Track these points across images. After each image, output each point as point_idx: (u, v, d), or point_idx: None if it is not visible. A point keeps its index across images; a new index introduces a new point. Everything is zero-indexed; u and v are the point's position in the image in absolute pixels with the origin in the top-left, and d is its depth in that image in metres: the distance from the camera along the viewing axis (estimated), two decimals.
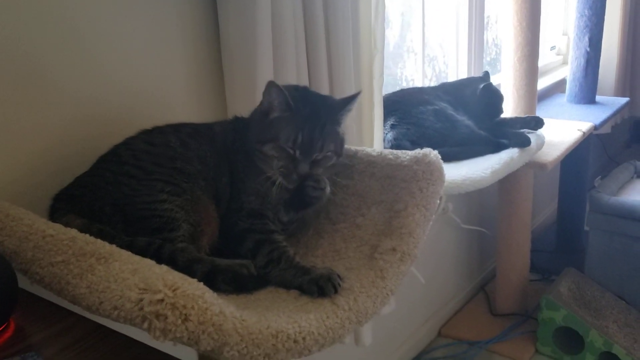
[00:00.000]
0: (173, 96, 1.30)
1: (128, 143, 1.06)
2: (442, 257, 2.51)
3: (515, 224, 2.39)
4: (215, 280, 0.89)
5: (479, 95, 1.96)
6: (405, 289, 2.24)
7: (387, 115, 1.83)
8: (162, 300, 0.68)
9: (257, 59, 1.27)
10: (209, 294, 0.71)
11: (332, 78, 1.46)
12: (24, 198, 1.02)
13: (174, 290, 0.69)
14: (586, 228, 2.61)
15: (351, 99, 1.07)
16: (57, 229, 0.85)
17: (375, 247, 0.97)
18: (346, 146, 1.10)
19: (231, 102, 1.35)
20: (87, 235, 0.84)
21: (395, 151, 1.07)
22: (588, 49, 2.67)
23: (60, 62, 1.08)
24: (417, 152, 1.04)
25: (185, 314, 0.68)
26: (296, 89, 1.09)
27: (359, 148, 1.11)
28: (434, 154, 1.03)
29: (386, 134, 1.81)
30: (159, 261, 0.85)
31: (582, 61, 2.70)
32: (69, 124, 1.11)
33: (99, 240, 0.82)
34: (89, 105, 1.14)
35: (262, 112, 1.05)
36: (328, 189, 1.03)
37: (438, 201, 1.02)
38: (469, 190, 1.70)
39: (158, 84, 1.26)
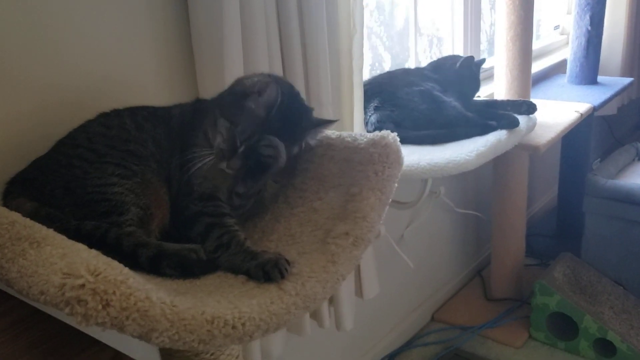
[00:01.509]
0: (143, 79, 1.27)
1: (85, 126, 1.05)
2: (435, 241, 2.48)
3: (510, 208, 2.35)
4: (160, 265, 0.88)
5: (458, 67, 1.92)
6: (397, 273, 2.22)
7: (371, 97, 1.80)
8: (83, 285, 0.67)
9: (224, 40, 1.24)
10: (133, 280, 0.70)
11: (307, 58, 1.43)
12: None
13: (96, 276, 0.68)
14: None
15: (322, 124, 1.06)
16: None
17: (329, 232, 0.95)
18: None
19: (202, 85, 1.32)
20: (28, 219, 0.84)
21: (354, 134, 1.05)
22: (589, 28, 2.60)
23: (17, 47, 1.06)
24: (375, 134, 1.01)
25: (107, 300, 0.67)
26: (288, 95, 1.02)
27: None
28: (391, 136, 1.00)
29: (370, 116, 1.78)
30: (105, 245, 0.85)
31: (583, 40, 2.63)
32: (30, 111, 1.09)
33: (37, 225, 0.82)
34: (51, 92, 1.12)
35: (243, 91, 1.00)
36: (284, 155, 0.99)
37: (395, 184, 0.99)
38: (452, 174, 1.66)
39: (126, 67, 1.24)
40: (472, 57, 1.96)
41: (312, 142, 1.07)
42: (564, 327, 2.24)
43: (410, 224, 2.24)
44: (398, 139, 1.01)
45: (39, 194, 0.95)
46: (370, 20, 2.22)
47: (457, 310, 2.50)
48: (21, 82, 1.08)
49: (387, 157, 0.98)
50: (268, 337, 1.51)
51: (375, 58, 2.28)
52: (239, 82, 1.06)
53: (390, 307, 2.26)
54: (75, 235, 0.85)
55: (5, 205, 0.94)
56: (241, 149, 0.96)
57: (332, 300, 1.69)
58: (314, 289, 0.88)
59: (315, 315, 1.66)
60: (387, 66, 2.31)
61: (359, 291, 1.80)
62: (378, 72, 2.22)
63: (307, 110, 1.07)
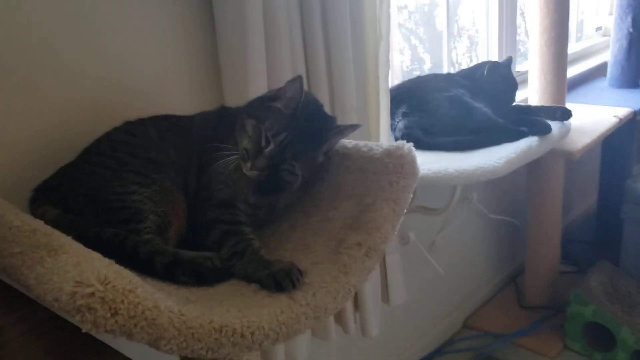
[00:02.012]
0: (170, 90, 1.30)
1: (110, 134, 1.08)
2: (468, 247, 2.45)
3: (545, 215, 2.30)
4: (175, 273, 0.90)
5: (486, 75, 1.89)
6: (428, 279, 2.20)
7: (399, 102, 1.80)
8: (93, 294, 0.69)
9: (247, 47, 1.26)
10: (141, 289, 0.72)
11: (331, 64, 1.44)
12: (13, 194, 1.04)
13: (105, 285, 0.70)
14: None
15: (347, 128, 1.06)
16: (24, 220, 0.88)
17: (342, 242, 0.96)
18: None
19: (228, 94, 1.34)
20: (48, 227, 0.86)
21: (370, 143, 1.05)
22: (631, 30, 2.52)
23: (47, 60, 1.10)
24: (391, 145, 1.01)
25: (115, 308, 0.69)
26: (312, 103, 1.06)
27: None
28: (407, 147, 1.00)
29: (397, 122, 1.77)
30: (123, 253, 0.88)
31: (625, 43, 2.55)
32: (59, 121, 1.13)
33: (55, 232, 0.84)
34: (79, 103, 1.15)
35: (272, 95, 1.04)
36: (300, 180, 1.01)
37: (411, 195, 0.99)
38: (481, 181, 1.65)
39: (153, 78, 1.26)
40: (496, 63, 1.94)
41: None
42: (601, 337, 2.18)
43: (441, 230, 2.22)
44: (414, 150, 1.00)
45: (63, 201, 0.98)
46: (409, 22, 2.22)
47: (490, 317, 2.47)
48: (51, 94, 1.12)
49: (402, 168, 0.97)
50: (292, 341, 1.52)
51: (414, 59, 2.28)
52: (270, 91, 1.10)
53: (420, 313, 2.24)
54: (95, 242, 0.87)
55: (31, 212, 0.98)
56: (269, 148, 0.97)
57: (357, 306, 1.69)
58: (324, 300, 0.88)
59: (340, 321, 1.67)
60: (427, 67, 2.31)
61: (385, 297, 1.79)
62: (418, 73, 2.22)
63: (331, 118, 1.11)
